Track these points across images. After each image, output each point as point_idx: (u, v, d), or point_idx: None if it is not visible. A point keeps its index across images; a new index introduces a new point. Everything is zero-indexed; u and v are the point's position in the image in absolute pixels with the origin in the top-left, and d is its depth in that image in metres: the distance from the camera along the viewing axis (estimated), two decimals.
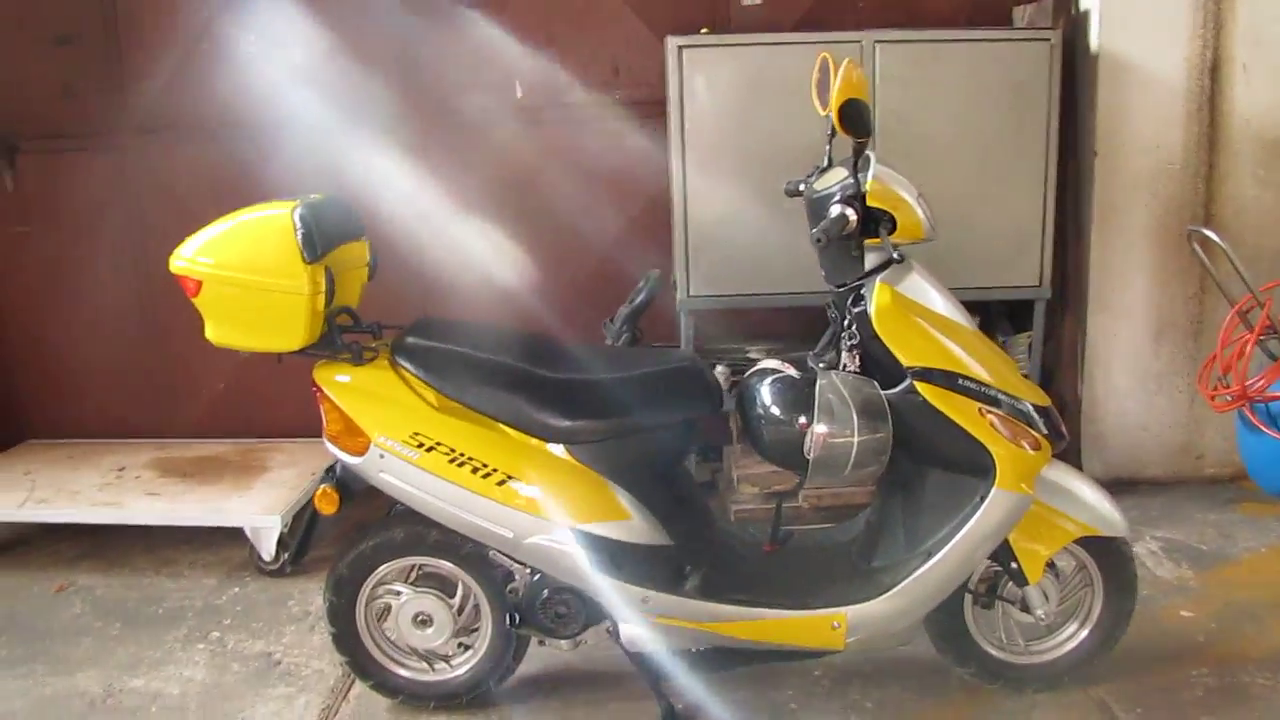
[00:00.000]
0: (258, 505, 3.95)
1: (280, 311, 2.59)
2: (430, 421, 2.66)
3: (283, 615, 3.64)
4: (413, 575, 2.94)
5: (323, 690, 3.15)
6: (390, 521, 2.88)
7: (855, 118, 2.41)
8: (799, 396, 2.58)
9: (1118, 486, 4.29)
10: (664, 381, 2.75)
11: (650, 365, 2.78)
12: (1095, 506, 2.76)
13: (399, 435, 2.65)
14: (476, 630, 2.95)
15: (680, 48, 3.87)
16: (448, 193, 4.35)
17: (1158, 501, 4.24)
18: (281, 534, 3.83)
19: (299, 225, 2.55)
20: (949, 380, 2.56)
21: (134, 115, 4.58)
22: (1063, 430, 2.70)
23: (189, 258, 2.61)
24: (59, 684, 3.25)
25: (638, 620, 2.71)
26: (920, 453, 2.65)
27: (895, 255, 2.52)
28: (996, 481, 2.56)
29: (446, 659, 2.98)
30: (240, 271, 2.58)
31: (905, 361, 2.56)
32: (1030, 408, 2.63)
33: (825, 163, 2.82)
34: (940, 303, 2.64)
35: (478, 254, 4.42)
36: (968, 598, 2.86)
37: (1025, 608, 2.81)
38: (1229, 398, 3.78)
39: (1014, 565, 2.73)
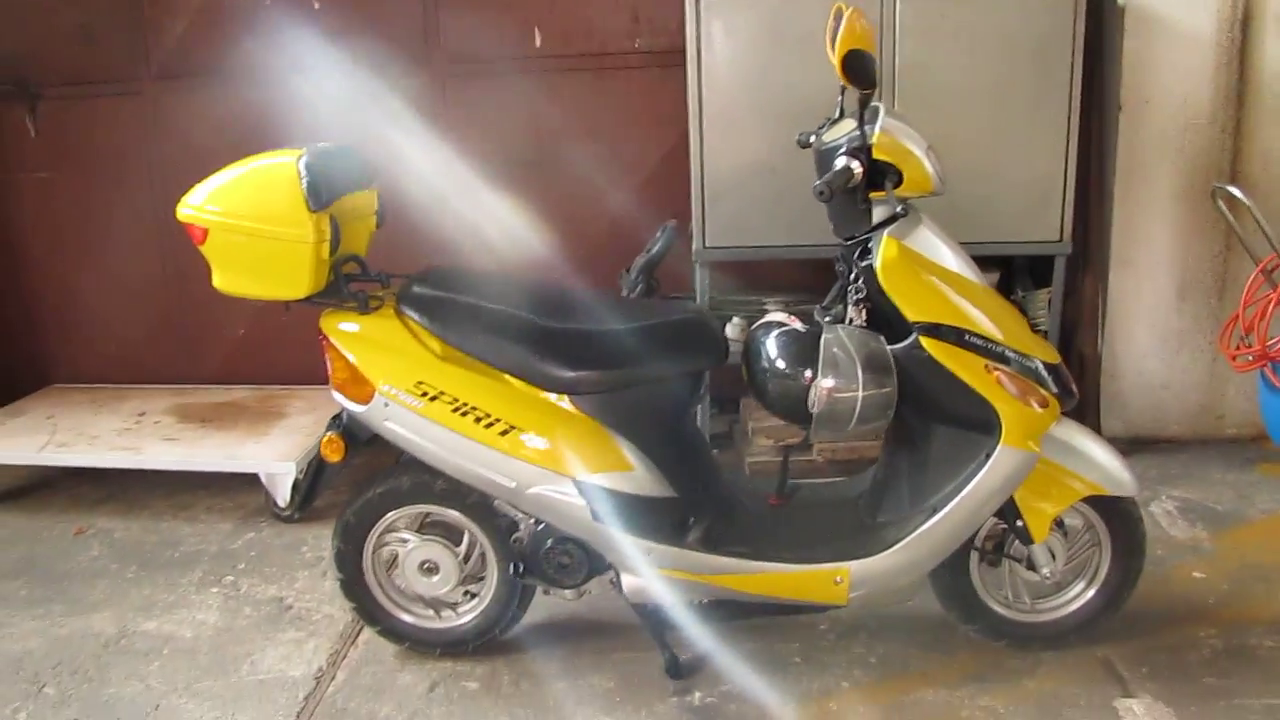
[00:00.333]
0: (273, 452, 3.98)
1: (285, 260, 2.59)
2: (434, 370, 2.66)
3: (296, 561, 3.68)
4: (421, 523, 2.96)
5: (332, 635, 3.19)
6: (397, 470, 2.89)
7: (859, 68, 2.37)
8: (804, 350, 2.55)
9: (1137, 445, 4.29)
10: (669, 333, 2.73)
11: (655, 317, 2.75)
12: (1104, 466, 2.72)
13: (403, 384, 2.66)
14: (483, 579, 2.96)
15: None
16: (464, 141, 4.33)
17: (1177, 461, 4.19)
18: (296, 480, 3.85)
19: (304, 174, 2.54)
20: (956, 336, 2.53)
21: (154, 61, 4.59)
22: (1073, 388, 2.67)
23: (196, 205, 2.61)
24: (75, 624, 3.31)
25: (640, 572, 2.71)
26: (926, 409, 2.63)
27: (899, 209, 2.48)
28: (1002, 439, 2.54)
29: (453, 606, 3.01)
30: (245, 219, 2.58)
31: (910, 316, 2.53)
32: (1040, 365, 2.60)
33: (837, 114, 2.79)
34: (950, 257, 2.60)
35: (494, 203, 4.40)
36: (974, 555, 2.85)
37: (1031, 566, 2.79)
38: (1250, 358, 3.74)
39: (1019, 523, 2.70)
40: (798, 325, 2.65)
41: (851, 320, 2.61)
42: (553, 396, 2.69)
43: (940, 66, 3.81)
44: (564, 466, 2.65)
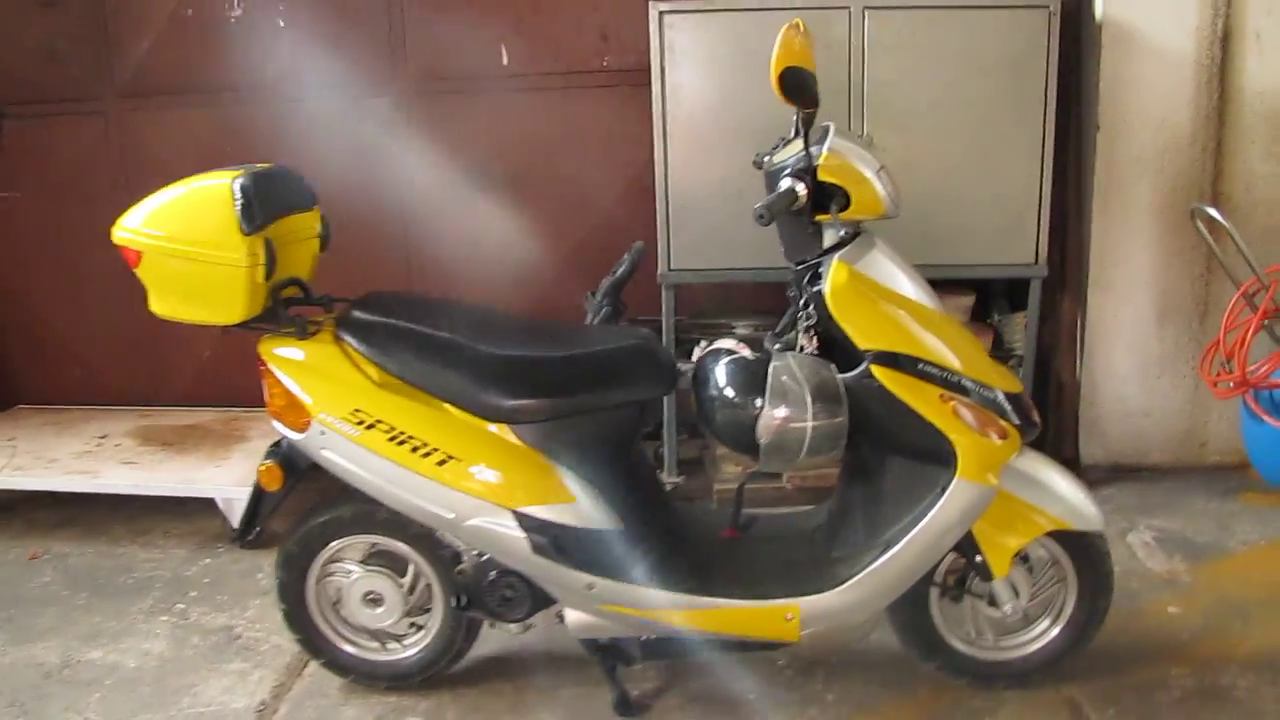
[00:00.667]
0: (231, 476, 3.91)
1: (219, 284, 2.51)
2: (371, 398, 2.58)
3: (250, 588, 3.60)
4: (367, 554, 2.87)
5: (278, 667, 3.10)
6: (340, 499, 2.81)
7: (798, 86, 2.28)
8: (753, 378, 2.45)
9: (1118, 473, 4.20)
10: (614, 360, 2.65)
11: (600, 344, 2.67)
12: (1069, 499, 2.62)
13: (340, 412, 2.58)
14: (428, 610, 2.88)
15: (662, 13, 3.73)
16: (430, 160, 4.26)
17: (1158, 489, 4.09)
18: None
19: (238, 196, 2.47)
20: (909, 365, 2.44)
21: (119, 79, 4.53)
22: (1034, 418, 2.57)
23: (131, 228, 2.55)
24: (17, 654, 3.23)
25: (583, 607, 2.63)
26: (879, 440, 2.55)
27: (844, 232, 2.40)
28: (958, 472, 2.44)
29: (398, 639, 2.93)
30: (179, 243, 2.50)
31: (861, 344, 2.44)
32: (1000, 395, 2.51)
33: (791, 133, 2.70)
34: (905, 283, 2.51)
35: (461, 223, 4.34)
36: (934, 590, 2.75)
37: (994, 602, 2.69)
38: (1231, 384, 3.66)
39: (979, 558, 2.60)
40: (746, 353, 2.56)
41: (803, 348, 2.52)
42: (493, 426, 2.60)
43: (913, 85, 3.74)
44: (503, 498, 2.56)
